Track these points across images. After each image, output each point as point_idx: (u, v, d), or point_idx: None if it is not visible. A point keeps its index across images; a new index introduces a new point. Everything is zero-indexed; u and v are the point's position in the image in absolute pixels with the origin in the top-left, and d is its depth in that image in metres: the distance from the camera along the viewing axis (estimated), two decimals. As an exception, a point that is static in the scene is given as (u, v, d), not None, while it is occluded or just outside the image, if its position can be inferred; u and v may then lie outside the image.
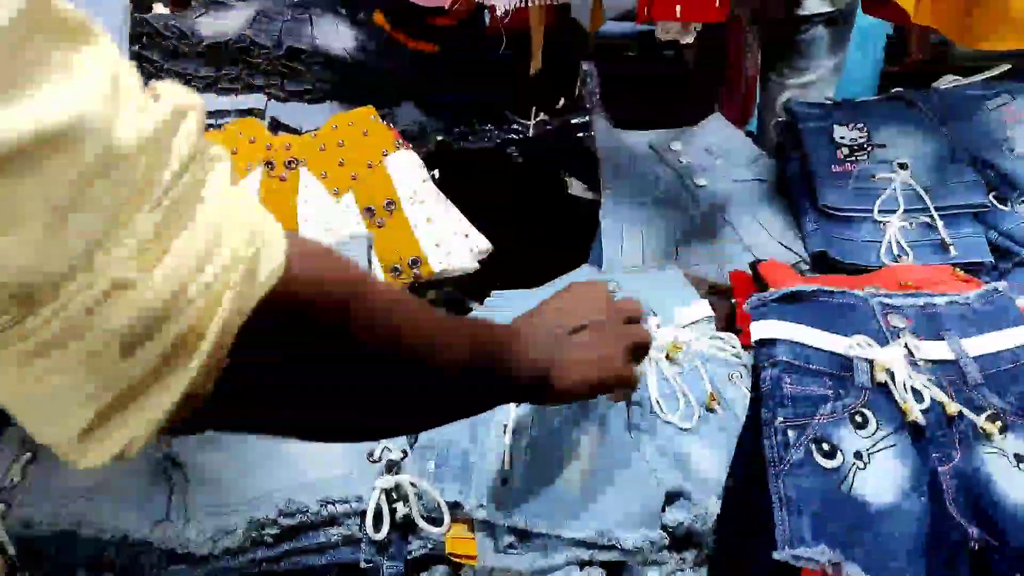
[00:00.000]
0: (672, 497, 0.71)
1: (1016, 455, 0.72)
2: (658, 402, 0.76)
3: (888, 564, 0.67)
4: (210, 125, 1.15)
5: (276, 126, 1.17)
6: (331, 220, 1.00)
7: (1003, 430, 0.74)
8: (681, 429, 0.75)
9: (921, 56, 1.67)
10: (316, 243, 0.39)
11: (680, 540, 0.70)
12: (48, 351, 0.27)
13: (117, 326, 0.28)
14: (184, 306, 0.29)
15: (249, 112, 1.16)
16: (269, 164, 1.03)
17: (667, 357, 0.80)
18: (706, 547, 0.71)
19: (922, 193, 1.00)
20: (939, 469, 0.72)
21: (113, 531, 0.59)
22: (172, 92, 0.32)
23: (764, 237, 1.05)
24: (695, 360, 0.80)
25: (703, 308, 0.87)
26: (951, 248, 0.96)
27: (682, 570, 0.70)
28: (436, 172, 1.11)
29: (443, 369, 0.47)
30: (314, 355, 0.38)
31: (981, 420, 0.74)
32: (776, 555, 0.66)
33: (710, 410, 0.77)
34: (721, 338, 0.84)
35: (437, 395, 0.49)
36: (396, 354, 0.43)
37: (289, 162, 1.04)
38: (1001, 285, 0.83)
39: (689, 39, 0.97)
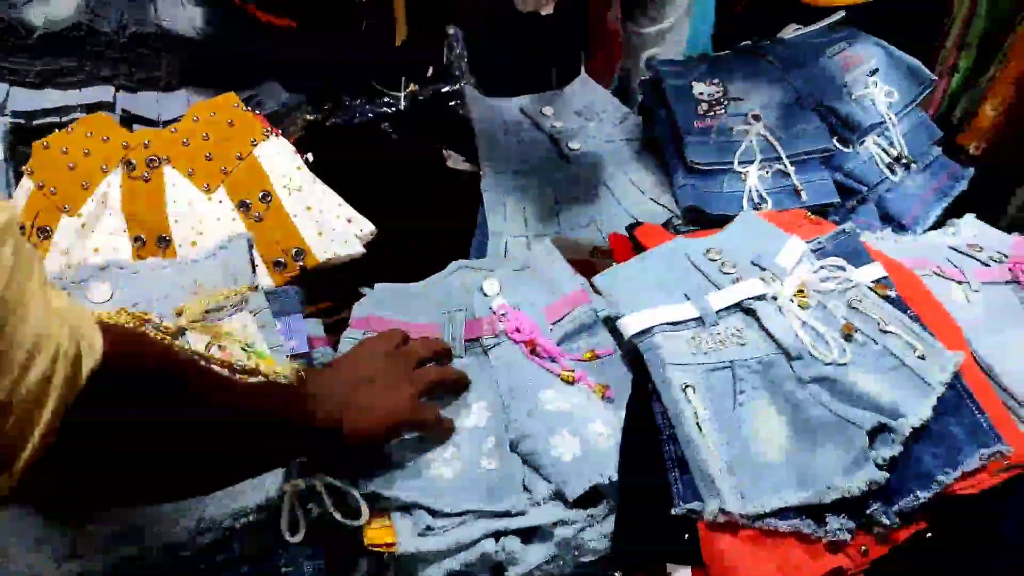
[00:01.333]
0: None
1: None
2: (813, 346, 0.79)
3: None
4: (54, 124, 1.06)
5: (130, 120, 1.09)
6: (204, 218, 0.96)
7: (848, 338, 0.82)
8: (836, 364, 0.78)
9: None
10: (129, 331, 0.47)
11: (587, 497, 0.75)
12: None
13: None
14: (11, 411, 0.34)
15: (97, 106, 1.08)
16: (129, 164, 0.97)
17: (799, 305, 0.82)
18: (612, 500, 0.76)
19: (774, 143, 1.07)
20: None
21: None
22: None
23: (638, 196, 1.10)
24: (817, 298, 0.83)
25: (799, 244, 0.88)
26: (802, 193, 1.04)
27: (591, 525, 0.74)
28: (309, 156, 1.09)
29: (244, 431, 0.56)
30: (126, 428, 0.44)
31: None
32: (674, 511, 0.73)
33: (848, 338, 0.80)
34: (824, 267, 0.86)
35: (240, 454, 0.57)
36: (205, 422, 0.51)
37: (150, 161, 0.98)
38: (848, 226, 0.91)
39: (549, 9, 0.98)
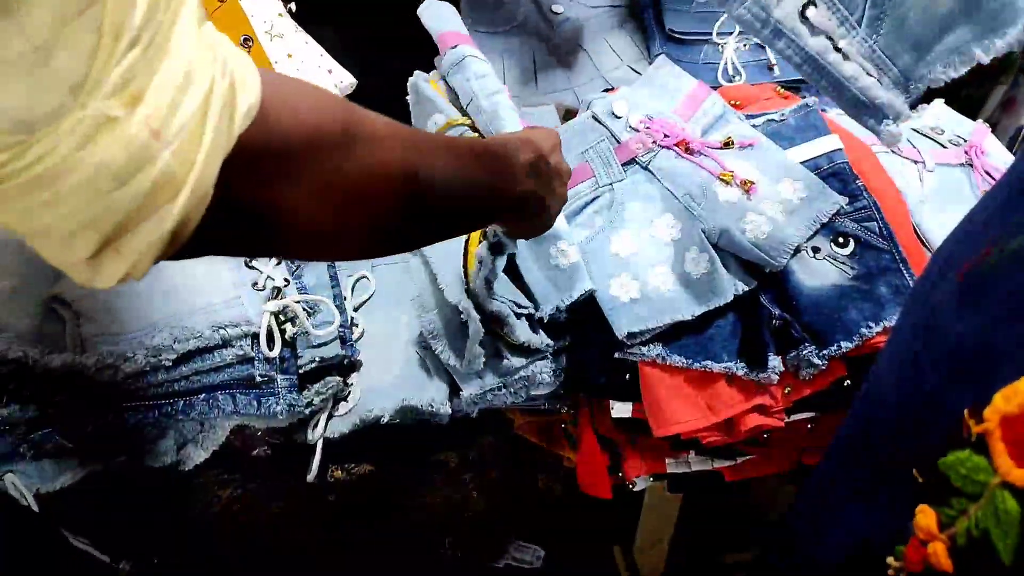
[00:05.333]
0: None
1: (814, 248, 0.85)
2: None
3: (708, 347, 0.81)
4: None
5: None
6: (186, 59, 0.97)
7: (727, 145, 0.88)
8: None
9: None
10: (295, 81, 0.40)
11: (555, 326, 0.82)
12: (47, 183, 0.30)
13: (107, 159, 0.30)
14: (168, 141, 0.31)
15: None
16: (109, 0, 0.97)
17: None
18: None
19: (755, 15, 1.08)
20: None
21: (13, 357, 0.62)
22: None
23: (616, 62, 1.11)
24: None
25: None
26: (776, 68, 1.06)
27: (543, 358, 0.81)
28: (292, 5, 1.08)
29: (448, 191, 0.48)
30: (298, 190, 0.39)
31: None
32: (616, 355, 0.80)
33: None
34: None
35: (438, 216, 0.50)
36: (401, 183, 0.44)
37: (131, -3, 0.98)
38: (811, 100, 0.94)
39: None
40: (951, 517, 0.36)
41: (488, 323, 0.75)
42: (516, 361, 0.78)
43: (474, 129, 0.88)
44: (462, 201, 0.51)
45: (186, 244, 0.35)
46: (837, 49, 0.69)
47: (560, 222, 0.84)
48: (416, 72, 1.00)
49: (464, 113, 0.89)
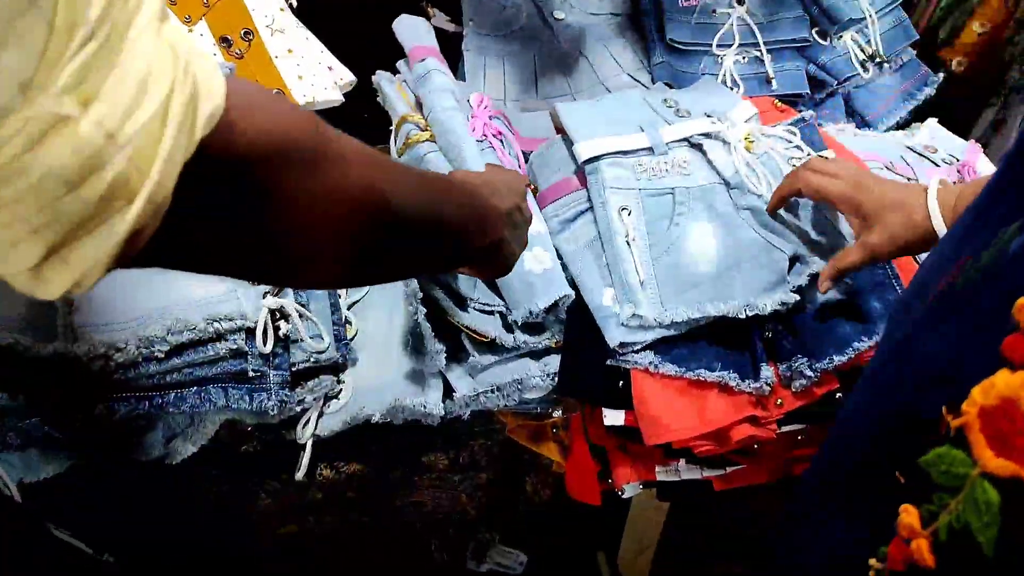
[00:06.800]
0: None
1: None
2: (749, 179, 0.85)
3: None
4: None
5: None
6: (185, 50, 0.97)
7: None
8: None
9: None
10: (264, 92, 0.38)
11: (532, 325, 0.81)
12: None
13: (59, 162, 0.28)
14: (123, 144, 0.30)
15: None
16: (110, -12, 0.97)
17: (745, 148, 0.87)
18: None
19: (754, 28, 1.09)
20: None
21: (3, 344, 0.61)
22: None
23: (615, 70, 1.12)
24: (766, 147, 0.88)
25: (750, 107, 0.93)
26: (773, 81, 1.07)
27: (535, 357, 0.81)
28: (294, 0, 1.08)
29: (417, 225, 0.46)
30: (260, 204, 0.37)
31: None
32: (609, 362, 0.80)
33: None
34: (775, 128, 0.92)
35: (404, 250, 0.48)
36: (371, 209, 0.42)
37: (132, -14, 0.97)
38: (807, 115, 0.94)
39: None
40: (933, 513, 0.36)
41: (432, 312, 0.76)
42: (484, 359, 0.78)
43: (425, 128, 0.89)
44: (431, 237, 0.49)
45: (139, 255, 0.33)
46: None
47: (537, 226, 0.84)
48: (379, 72, 1.00)
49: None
